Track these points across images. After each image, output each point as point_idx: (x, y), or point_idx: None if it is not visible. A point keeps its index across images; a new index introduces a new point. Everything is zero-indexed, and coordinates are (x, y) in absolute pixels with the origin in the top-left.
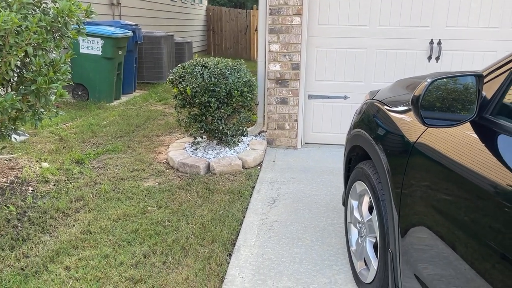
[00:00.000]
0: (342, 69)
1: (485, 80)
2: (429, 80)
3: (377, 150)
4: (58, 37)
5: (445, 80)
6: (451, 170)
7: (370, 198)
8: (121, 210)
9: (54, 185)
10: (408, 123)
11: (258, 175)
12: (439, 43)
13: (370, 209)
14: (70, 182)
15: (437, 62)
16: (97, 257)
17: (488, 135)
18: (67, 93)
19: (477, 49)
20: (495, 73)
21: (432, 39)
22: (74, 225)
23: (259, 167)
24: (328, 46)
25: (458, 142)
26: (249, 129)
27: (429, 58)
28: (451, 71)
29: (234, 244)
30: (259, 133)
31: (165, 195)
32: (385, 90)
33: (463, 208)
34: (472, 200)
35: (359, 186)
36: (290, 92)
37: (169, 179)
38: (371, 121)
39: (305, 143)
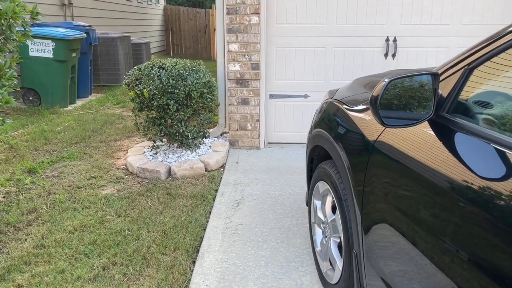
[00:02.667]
0: (302, 68)
1: (441, 78)
2: (386, 80)
3: (338, 149)
4: (2, 40)
5: (402, 79)
6: (410, 168)
7: (333, 198)
8: (77, 220)
9: (4, 197)
10: (368, 122)
11: (221, 178)
12: (395, 40)
13: (334, 209)
14: (22, 194)
15: (393, 59)
16: (52, 272)
17: (444, 133)
18: (14, 99)
19: (431, 45)
20: (450, 71)
21: (388, 37)
22: (26, 240)
23: (222, 169)
24: (287, 45)
25: (417, 140)
26: (210, 130)
27: (386, 55)
28: (408, 69)
29: (198, 250)
30: (221, 134)
31: (125, 203)
32: (344, 89)
33: (421, 204)
34: (430, 197)
35: (322, 186)
36: (251, 92)
37: (128, 185)
38: (331, 121)
39: (268, 142)
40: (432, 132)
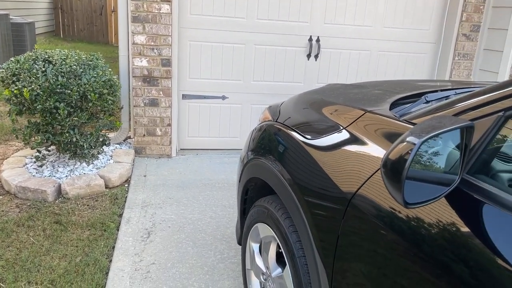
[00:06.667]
0: (219, 66)
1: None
2: (417, 141)
3: (292, 195)
4: None
5: (435, 138)
6: (408, 241)
7: (279, 248)
8: None
9: None
10: (338, 165)
11: (126, 197)
12: (318, 40)
13: (279, 260)
14: None
15: (316, 60)
16: None
17: (464, 203)
18: None
19: (353, 47)
20: (470, 114)
21: (311, 36)
22: None
23: (126, 185)
24: (203, 40)
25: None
26: (111, 135)
27: (308, 56)
28: (435, 125)
29: None
30: (124, 140)
31: None
32: (289, 108)
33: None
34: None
35: (263, 229)
36: (161, 92)
37: (3, 211)
38: (280, 154)
39: (181, 149)
40: (446, 201)
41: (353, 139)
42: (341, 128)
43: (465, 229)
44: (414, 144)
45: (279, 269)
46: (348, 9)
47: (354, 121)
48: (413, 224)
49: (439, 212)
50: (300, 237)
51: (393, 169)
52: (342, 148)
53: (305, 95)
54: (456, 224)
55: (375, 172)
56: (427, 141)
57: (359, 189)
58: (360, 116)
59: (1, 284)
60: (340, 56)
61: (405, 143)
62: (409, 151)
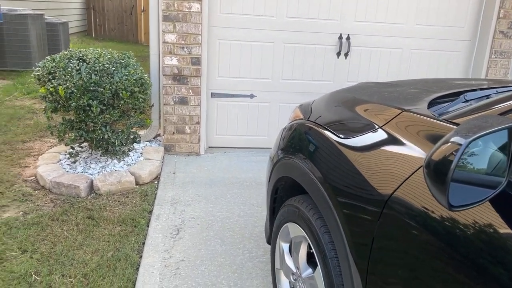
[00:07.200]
0: (248, 64)
1: None
2: (463, 142)
3: (325, 194)
4: None
5: (481, 138)
6: (448, 245)
7: (310, 248)
8: None
9: None
10: (376, 166)
11: (156, 194)
12: (348, 38)
13: (310, 260)
14: None
15: (345, 58)
16: None
17: (510, 207)
18: None
19: (384, 45)
20: None
21: (341, 34)
22: None
23: (156, 182)
24: (232, 38)
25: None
26: (141, 133)
27: (338, 54)
28: (482, 125)
29: None
30: (154, 138)
31: (33, 232)
32: (320, 106)
33: None
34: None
35: (294, 229)
36: (191, 91)
37: (38, 205)
38: (314, 155)
39: (209, 147)
40: (490, 204)
41: (390, 139)
42: (377, 127)
43: (506, 233)
44: (461, 144)
45: (310, 270)
46: (379, 6)
47: (390, 120)
48: (454, 227)
49: (483, 215)
50: (333, 238)
51: (437, 171)
52: (378, 147)
53: (337, 94)
54: (501, 228)
55: (413, 173)
56: (475, 141)
57: (396, 190)
58: (397, 115)
59: (36, 277)
60: (370, 54)
61: (449, 143)
62: (454, 152)
